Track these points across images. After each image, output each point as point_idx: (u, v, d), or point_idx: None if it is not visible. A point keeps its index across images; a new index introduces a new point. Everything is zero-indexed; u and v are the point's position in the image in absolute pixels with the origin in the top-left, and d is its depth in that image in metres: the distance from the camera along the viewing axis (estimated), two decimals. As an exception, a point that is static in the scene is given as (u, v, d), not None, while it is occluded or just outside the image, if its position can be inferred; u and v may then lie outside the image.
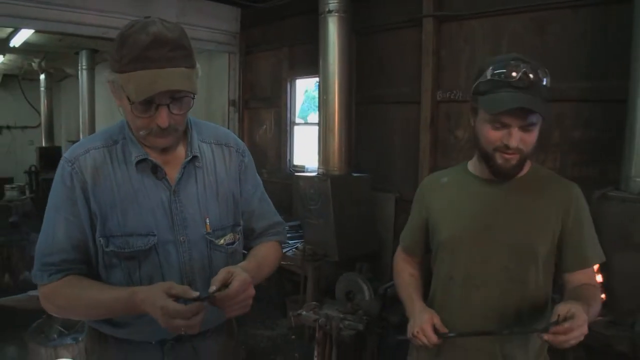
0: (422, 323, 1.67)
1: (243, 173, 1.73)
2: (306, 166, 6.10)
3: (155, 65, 1.35)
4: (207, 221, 1.58)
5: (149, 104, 1.38)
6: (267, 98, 6.68)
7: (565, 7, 3.75)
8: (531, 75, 1.57)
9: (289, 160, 6.42)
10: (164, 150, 1.53)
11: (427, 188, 1.95)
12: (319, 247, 4.59)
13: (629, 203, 2.84)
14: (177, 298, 1.32)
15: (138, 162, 1.51)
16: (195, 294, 1.34)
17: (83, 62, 8.56)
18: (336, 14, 4.58)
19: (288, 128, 6.40)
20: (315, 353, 3.21)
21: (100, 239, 1.48)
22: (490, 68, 1.62)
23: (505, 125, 1.60)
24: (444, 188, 1.89)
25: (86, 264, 1.51)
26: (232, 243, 1.65)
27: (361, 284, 3.68)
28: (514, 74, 1.57)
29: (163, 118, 1.40)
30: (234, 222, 1.66)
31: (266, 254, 1.75)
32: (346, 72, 4.72)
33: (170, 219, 1.52)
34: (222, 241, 1.62)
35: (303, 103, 6.53)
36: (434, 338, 1.65)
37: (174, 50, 1.37)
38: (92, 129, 8.48)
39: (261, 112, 6.86)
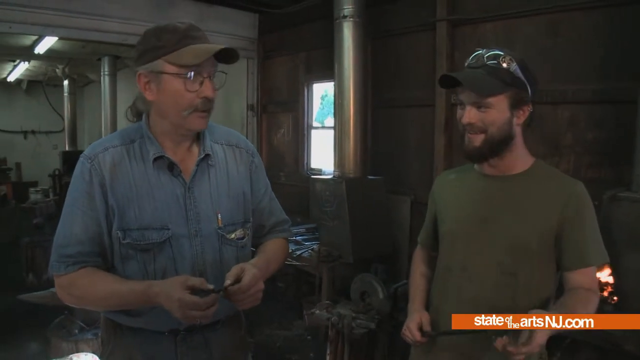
0: (409, 322, 1.82)
1: (254, 173, 1.81)
2: (323, 169, 6.16)
3: (200, 41, 1.53)
4: (219, 216, 1.66)
5: (198, 76, 1.52)
6: (285, 102, 6.76)
7: (577, 9, 3.77)
8: (485, 58, 1.68)
9: (306, 164, 6.49)
10: (198, 132, 1.65)
11: (437, 184, 2.04)
12: (334, 248, 4.64)
13: (639, 204, 2.85)
14: (193, 290, 1.40)
15: (155, 159, 1.59)
16: (210, 286, 1.43)
17: (105, 68, 8.74)
18: (351, 19, 4.65)
19: (305, 132, 6.47)
20: (328, 351, 3.27)
21: (118, 231, 1.55)
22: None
23: (462, 104, 1.73)
24: (450, 183, 1.96)
25: (101, 256, 1.58)
26: (242, 238, 1.72)
27: (375, 285, 3.72)
28: (470, 57, 1.74)
29: (210, 88, 1.55)
30: (244, 219, 1.74)
31: (275, 251, 1.83)
32: (361, 77, 4.78)
33: (184, 214, 1.60)
34: (233, 236, 1.69)
35: (322, 108, 6.60)
36: (417, 336, 1.78)
37: (205, 36, 1.57)
38: (114, 133, 8.62)
39: (279, 116, 6.95)
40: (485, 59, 1.68)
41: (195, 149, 1.67)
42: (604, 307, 3.03)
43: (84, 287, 1.55)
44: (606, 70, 3.63)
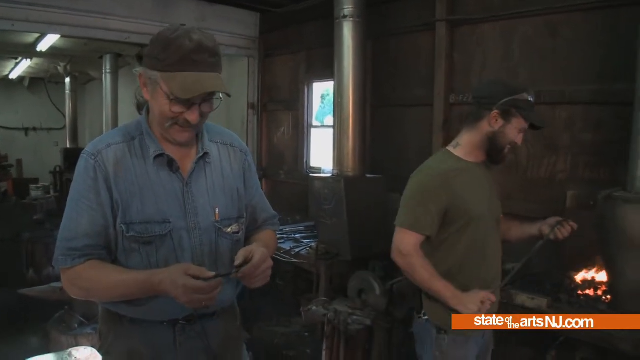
0: (482, 295, 2.08)
1: (248, 170, 1.89)
2: (323, 168, 6.19)
3: (198, 68, 1.53)
4: (217, 210, 1.73)
5: (186, 101, 1.55)
6: (285, 101, 6.79)
7: (576, 10, 3.79)
8: None
9: (306, 162, 6.52)
10: (181, 146, 1.68)
11: (444, 180, 2.18)
12: (332, 246, 4.67)
13: (634, 204, 2.87)
14: (194, 278, 1.46)
15: (156, 157, 1.65)
16: (211, 274, 1.49)
17: (107, 66, 8.77)
18: (351, 19, 4.67)
19: (305, 130, 6.50)
20: (324, 347, 3.30)
21: (122, 225, 1.61)
22: (526, 93, 2.15)
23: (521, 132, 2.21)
24: (459, 174, 2.18)
25: (106, 249, 1.64)
26: (237, 232, 1.80)
27: (373, 282, 3.75)
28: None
29: (195, 115, 1.58)
30: (238, 215, 1.81)
31: (268, 239, 1.91)
32: (361, 76, 4.81)
33: (183, 208, 1.67)
34: (229, 230, 1.76)
35: (323, 107, 6.63)
36: (493, 297, 2.11)
37: (212, 57, 1.57)
38: (115, 130, 8.65)
39: (279, 114, 6.98)
40: None
41: (193, 147, 1.73)
42: (598, 305, 3.06)
43: (90, 279, 1.60)
44: (604, 71, 3.65)
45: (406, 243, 2.19)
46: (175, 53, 1.51)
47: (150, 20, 5.55)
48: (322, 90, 6.50)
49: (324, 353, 3.29)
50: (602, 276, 3.22)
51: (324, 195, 4.81)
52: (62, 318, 3.59)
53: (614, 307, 2.99)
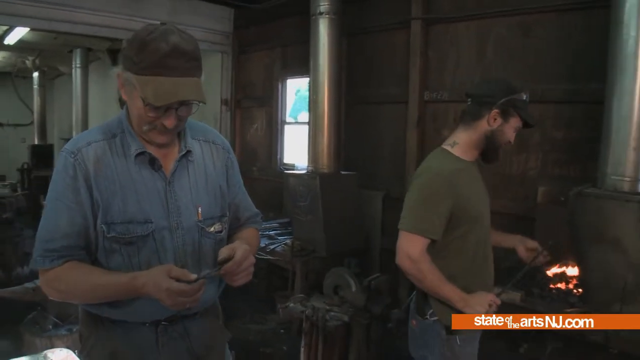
0: (489, 297, 2.10)
1: (230, 168, 1.85)
2: (296, 164, 6.19)
3: (173, 73, 1.46)
4: (199, 210, 1.69)
5: (160, 108, 1.50)
6: (259, 97, 6.78)
7: (549, 10, 3.88)
8: None
9: (280, 159, 6.53)
10: (162, 145, 1.63)
11: (450, 179, 2.15)
12: (308, 243, 4.69)
13: (604, 199, 2.95)
14: (177, 280, 1.44)
15: (137, 155, 1.60)
16: (193, 276, 1.46)
17: (77, 61, 8.64)
18: (327, 15, 4.69)
19: (279, 127, 6.51)
20: (303, 343, 3.31)
21: (102, 225, 1.56)
22: (522, 93, 2.20)
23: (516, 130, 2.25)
24: (460, 174, 2.17)
25: (86, 249, 1.59)
26: (220, 232, 1.76)
27: (348, 278, 3.76)
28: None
29: (171, 120, 1.53)
30: (221, 213, 1.77)
31: (251, 237, 1.88)
32: (336, 73, 4.83)
33: (165, 207, 1.62)
34: (212, 229, 1.73)
35: (295, 103, 6.63)
36: (498, 300, 2.12)
37: (190, 61, 1.49)
38: (85, 126, 8.53)
39: (253, 111, 6.97)
40: None
41: (175, 144, 1.69)
42: (569, 298, 3.15)
43: (69, 280, 1.55)
44: (576, 71, 3.75)
45: (415, 248, 2.10)
46: (150, 56, 1.44)
47: (120, 13, 5.49)
48: (296, 87, 6.49)
49: (302, 350, 3.30)
50: (572, 270, 3.29)
51: (299, 192, 4.82)
52: (35, 319, 3.50)
53: (585, 300, 3.08)
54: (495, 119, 2.15)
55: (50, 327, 3.42)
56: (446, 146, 2.24)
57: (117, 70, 1.58)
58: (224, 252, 1.55)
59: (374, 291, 3.13)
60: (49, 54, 9.08)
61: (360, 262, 4.09)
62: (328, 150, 4.87)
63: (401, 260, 2.12)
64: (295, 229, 4.96)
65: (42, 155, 9.91)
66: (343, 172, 5.01)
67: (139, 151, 1.60)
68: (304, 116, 6.18)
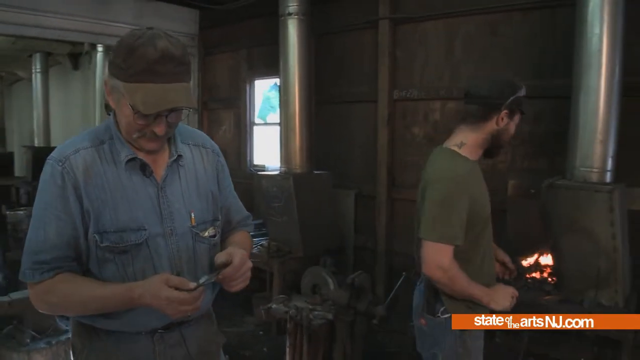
0: (510, 290, 2.17)
1: (221, 172, 1.83)
2: (266, 165, 6.19)
3: (162, 79, 1.43)
4: (192, 215, 1.66)
5: (149, 116, 1.46)
6: (226, 99, 6.75)
7: (515, 9, 4.01)
8: None
9: (249, 160, 6.51)
10: (152, 151, 1.61)
11: (468, 180, 2.17)
12: (284, 243, 4.71)
13: (574, 190, 3.07)
14: (175, 288, 1.42)
15: (127, 161, 1.57)
16: (193, 284, 1.45)
17: (37, 65, 8.45)
18: (296, 16, 4.71)
19: (248, 128, 6.49)
20: (287, 344, 3.32)
21: (95, 235, 1.52)
22: (523, 89, 2.21)
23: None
24: (472, 175, 2.21)
25: (77, 260, 1.55)
26: (214, 236, 1.74)
27: (326, 277, 3.80)
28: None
29: (161, 127, 1.50)
30: (213, 217, 1.75)
31: (243, 241, 1.87)
32: (306, 73, 4.86)
33: (159, 213, 1.59)
34: (206, 234, 1.70)
35: (262, 104, 6.62)
36: (517, 292, 2.18)
37: (178, 66, 1.46)
38: (47, 133, 8.34)
39: (220, 113, 6.93)
40: None
41: (166, 149, 1.66)
42: (544, 287, 3.26)
43: (61, 293, 1.51)
44: (542, 67, 3.88)
45: (445, 258, 2.09)
46: (138, 62, 1.41)
47: (86, 17, 5.39)
48: (265, 88, 6.49)
49: (287, 350, 3.32)
50: (546, 259, 3.41)
51: (273, 193, 4.83)
52: (11, 334, 3.38)
53: (559, 288, 3.19)
54: (502, 119, 2.17)
55: (28, 341, 3.28)
56: (453, 147, 2.21)
57: (105, 77, 1.54)
58: (221, 257, 1.54)
59: (357, 288, 3.17)
60: (7, 59, 8.84)
61: (335, 260, 4.14)
62: (300, 150, 4.89)
63: (431, 270, 2.10)
64: (270, 230, 4.97)
65: (2, 164, 9.60)
66: (316, 172, 5.04)
67: (129, 157, 1.56)
68: (273, 117, 6.20)
